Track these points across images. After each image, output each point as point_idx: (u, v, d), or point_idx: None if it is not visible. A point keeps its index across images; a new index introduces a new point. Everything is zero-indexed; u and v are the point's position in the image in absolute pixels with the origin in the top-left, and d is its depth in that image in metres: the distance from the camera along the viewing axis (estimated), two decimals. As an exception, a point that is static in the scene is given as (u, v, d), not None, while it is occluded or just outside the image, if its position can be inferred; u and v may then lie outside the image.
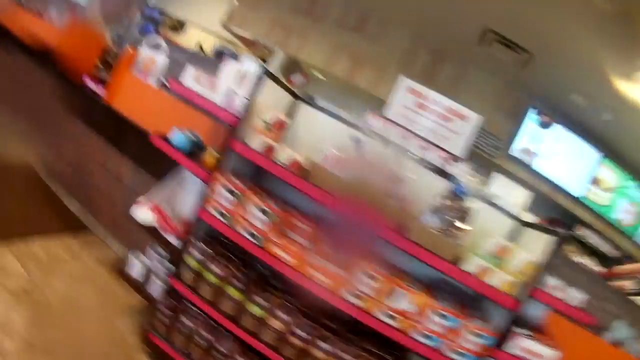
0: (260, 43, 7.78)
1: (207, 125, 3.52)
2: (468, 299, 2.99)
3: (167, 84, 4.13)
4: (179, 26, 10.02)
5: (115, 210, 4.33)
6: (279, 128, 3.09)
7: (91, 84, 4.60)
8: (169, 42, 4.43)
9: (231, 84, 3.13)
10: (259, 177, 3.26)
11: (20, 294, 3.22)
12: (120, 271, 3.81)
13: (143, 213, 3.24)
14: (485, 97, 6.14)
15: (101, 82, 4.61)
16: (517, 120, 6.09)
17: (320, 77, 7.38)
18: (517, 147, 6.10)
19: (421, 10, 5.80)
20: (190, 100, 3.13)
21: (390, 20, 6.52)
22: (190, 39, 9.75)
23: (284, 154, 2.87)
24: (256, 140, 2.89)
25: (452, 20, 5.52)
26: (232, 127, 2.91)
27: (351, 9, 6.77)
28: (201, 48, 9.21)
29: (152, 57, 4.27)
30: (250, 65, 3.22)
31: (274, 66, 6.95)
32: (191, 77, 3.13)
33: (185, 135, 3.16)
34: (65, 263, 3.85)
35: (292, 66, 5.92)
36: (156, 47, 4.37)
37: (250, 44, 8.37)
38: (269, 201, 2.88)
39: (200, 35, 9.72)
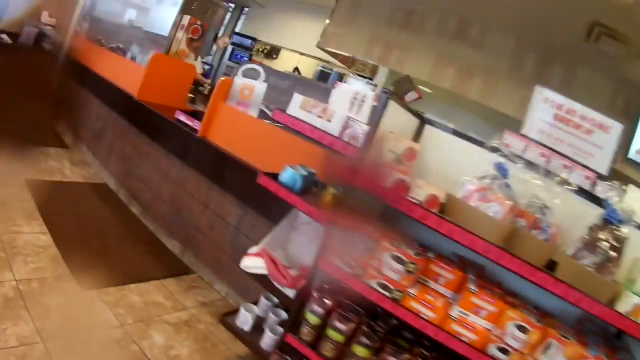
0: (358, 60, 7.53)
1: (321, 158, 3.15)
2: (610, 336, 2.51)
3: (270, 114, 3.82)
4: (272, 52, 9.96)
5: (220, 252, 4.06)
6: (410, 159, 2.65)
7: (184, 118, 4.36)
8: (267, 68, 4.10)
9: (346, 110, 2.74)
10: (384, 214, 2.85)
11: (112, 345, 2.98)
12: (225, 317, 3.49)
13: (253, 261, 2.88)
14: (596, 97, 5.50)
15: (195, 115, 4.36)
16: (631, 120, 5.48)
17: (428, 91, 6.99)
18: (635, 149, 5.48)
19: (522, 9, 5.45)
20: (300, 132, 2.76)
21: (491, 23, 6.10)
22: (284, 63, 9.68)
23: (420, 190, 2.43)
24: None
25: (557, 17, 5.15)
26: (354, 162, 2.51)
27: (449, 17, 6.39)
28: (298, 71, 9.07)
29: (250, 85, 3.97)
30: (363, 87, 2.84)
31: (381, 84, 6.67)
32: (298, 105, 2.76)
33: (298, 172, 2.78)
34: (164, 310, 3.57)
35: (403, 83, 5.55)
36: (253, 74, 4.06)
37: (348, 62, 8.12)
38: (405, 247, 2.46)
39: (294, 58, 9.63)
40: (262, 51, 10.08)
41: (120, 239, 4.36)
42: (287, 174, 2.77)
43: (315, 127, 2.65)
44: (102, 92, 6.16)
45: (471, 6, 6.04)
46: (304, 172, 2.80)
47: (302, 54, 9.50)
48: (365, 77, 8.11)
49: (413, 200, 2.36)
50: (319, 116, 2.69)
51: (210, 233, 4.15)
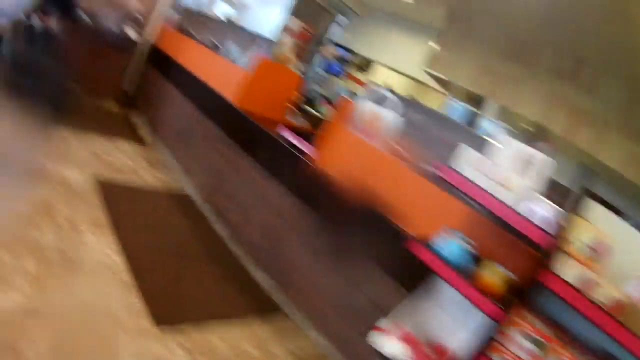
0: (454, 86, 7.33)
1: (478, 224, 2.77)
2: None
3: (432, 170, 3.46)
4: (363, 65, 9.83)
5: (320, 298, 3.71)
6: (602, 255, 2.27)
7: (291, 137, 4.09)
8: (398, 95, 3.74)
9: (512, 173, 2.40)
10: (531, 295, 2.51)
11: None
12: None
13: (389, 343, 2.52)
14: None
15: (301, 134, 4.07)
16: None
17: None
18: None
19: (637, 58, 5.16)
20: (467, 194, 2.41)
21: (606, 69, 5.82)
22: (375, 79, 9.61)
23: (606, 291, 2.08)
24: (572, 271, 2.12)
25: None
26: (540, 250, 2.16)
27: (565, 55, 6.13)
28: (391, 91, 8.90)
29: (378, 114, 3.62)
30: (529, 148, 2.48)
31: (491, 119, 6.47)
32: (468, 162, 2.41)
33: (462, 246, 2.42)
34: (250, 358, 3.23)
35: (537, 132, 5.24)
36: (380, 99, 3.70)
37: (446, 86, 7.89)
38: (577, 354, 2.13)
39: (386, 75, 9.54)
40: (356, 64, 9.90)
41: (201, 264, 4.06)
42: (451, 247, 2.41)
43: (489, 194, 2.30)
44: (190, 89, 5.99)
45: (587, 46, 5.79)
46: (467, 246, 2.44)
47: (396, 71, 9.33)
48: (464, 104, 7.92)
49: (600, 304, 2.05)
50: (494, 180, 2.34)
51: (310, 275, 3.80)
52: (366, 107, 3.72)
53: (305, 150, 3.95)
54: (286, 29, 4.92)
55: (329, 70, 9.39)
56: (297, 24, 4.81)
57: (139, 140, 6.42)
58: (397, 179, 3.35)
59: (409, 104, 3.82)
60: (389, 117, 3.63)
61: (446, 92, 8.39)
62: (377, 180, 3.43)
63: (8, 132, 4.56)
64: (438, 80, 7.80)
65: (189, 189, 5.40)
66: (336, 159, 3.74)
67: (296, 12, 6.55)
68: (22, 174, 4.05)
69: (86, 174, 4.60)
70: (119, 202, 4.38)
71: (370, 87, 3.85)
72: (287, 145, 4.06)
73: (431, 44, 7.22)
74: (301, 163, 3.88)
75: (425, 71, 7.33)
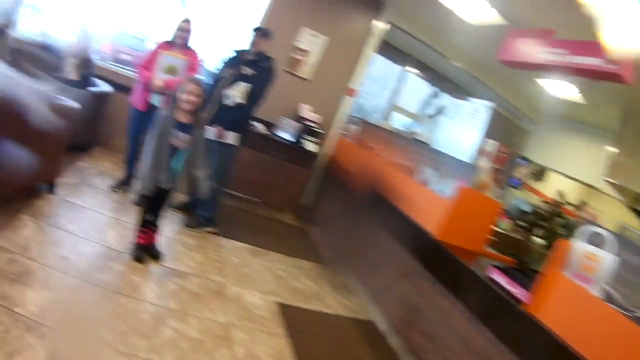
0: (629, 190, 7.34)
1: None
2: None
3: (617, 298, 3.48)
4: (537, 173, 9.94)
5: None
6: None
7: (502, 280, 4.14)
8: (616, 234, 3.75)
9: None
10: None
11: None
12: None
13: None
14: None
15: (511, 274, 4.14)
16: None
17: None
18: None
19: None
20: None
21: None
22: (548, 187, 9.69)
23: None
24: None
25: None
26: None
27: None
28: (564, 199, 8.95)
29: (594, 255, 3.67)
30: None
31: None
32: None
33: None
34: None
35: None
36: (596, 240, 3.75)
37: (623, 192, 7.86)
38: None
39: (560, 182, 9.57)
40: (531, 172, 9.98)
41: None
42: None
43: None
44: (377, 212, 6.11)
45: None
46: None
47: (571, 178, 9.45)
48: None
49: None
50: None
51: None
52: (581, 248, 3.75)
53: (516, 293, 3.91)
54: (483, 152, 5.14)
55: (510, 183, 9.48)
56: (493, 146, 5.02)
57: (319, 259, 6.63)
58: (616, 332, 3.24)
59: (624, 243, 3.77)
60: (606, 259, 3.61)
61: (622, 199, 8.31)
62: (587, 321, 3.40)
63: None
64: (614, 185, 7.78)
65: (377, 318, 5.42)
66: (552, 307, 3.65)
67: (492, 132, 6.78)
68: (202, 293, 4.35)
69: (266, 297, 4.79)
70: (302, 330, 4.49)
71: (586, 225, 3.88)
72: (496, 288, 4.05)
73: (607, 147, 7.27)
74: (510, 309, 3.84)
75: (605, 180, 7.37)
